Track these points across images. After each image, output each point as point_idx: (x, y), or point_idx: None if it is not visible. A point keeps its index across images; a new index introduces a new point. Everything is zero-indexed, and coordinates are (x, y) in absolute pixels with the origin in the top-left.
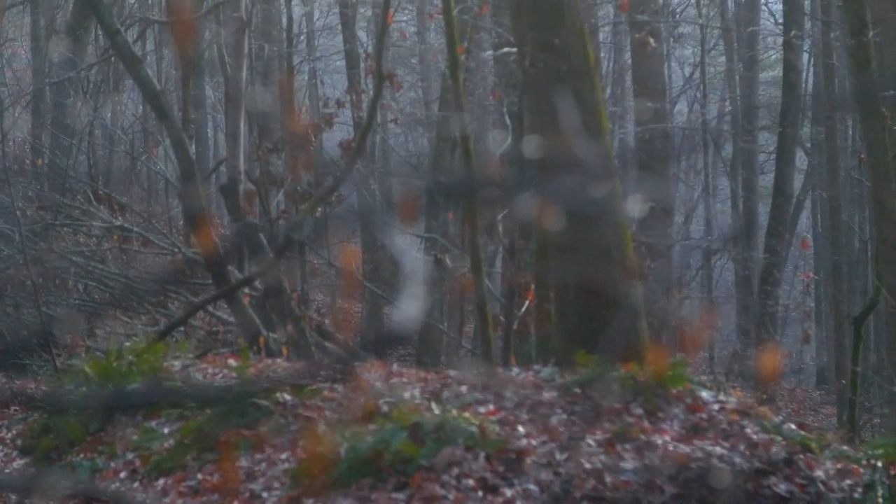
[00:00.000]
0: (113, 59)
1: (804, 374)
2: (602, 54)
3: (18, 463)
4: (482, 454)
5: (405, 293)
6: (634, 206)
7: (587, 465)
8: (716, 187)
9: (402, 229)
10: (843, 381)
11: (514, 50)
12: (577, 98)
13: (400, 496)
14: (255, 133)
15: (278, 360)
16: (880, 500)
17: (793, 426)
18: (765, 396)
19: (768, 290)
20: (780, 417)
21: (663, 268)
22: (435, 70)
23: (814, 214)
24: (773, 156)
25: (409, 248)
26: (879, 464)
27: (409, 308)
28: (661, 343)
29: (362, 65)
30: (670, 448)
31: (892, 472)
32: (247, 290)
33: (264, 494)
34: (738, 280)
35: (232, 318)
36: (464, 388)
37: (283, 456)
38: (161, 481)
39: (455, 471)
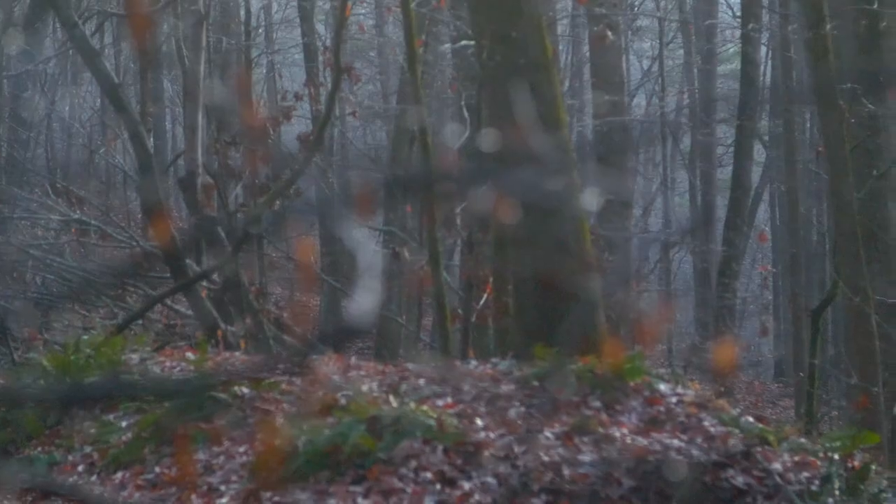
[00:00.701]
0: (71, 51)
1: (762, 366)
2: (560, 47)
3: None
4: (440, 447)
5: (362, 286)
6: (592, 199)
7: (545, 458)
8: (674, 180)
9: (360, 222)
10: (801, 374)
11: (472, 43)
12: (535, 91)
13: (358, 489)
14: (213, 126)
15: (236, 354)
16: (837, 492)
17: (751, 419)
18: (723, 389)
19: (726, 282)
20: (738, 410)
21: (621, 261)
22: (393, 63)
23: (772, 207)
24: (732, 148)
25: (366, 241)
26: (836, 456)
27: (365, 301)
28: (620, 336)
29: (321, 58)
30: (628, 441)
31: (850, 465)
32: (205, 284)
33: (222, 488)
34: (697, 273)
35: (190, 312)
36: (422, 382)
37: (241, 449)
38: (119, 475)
39: (413, 464)
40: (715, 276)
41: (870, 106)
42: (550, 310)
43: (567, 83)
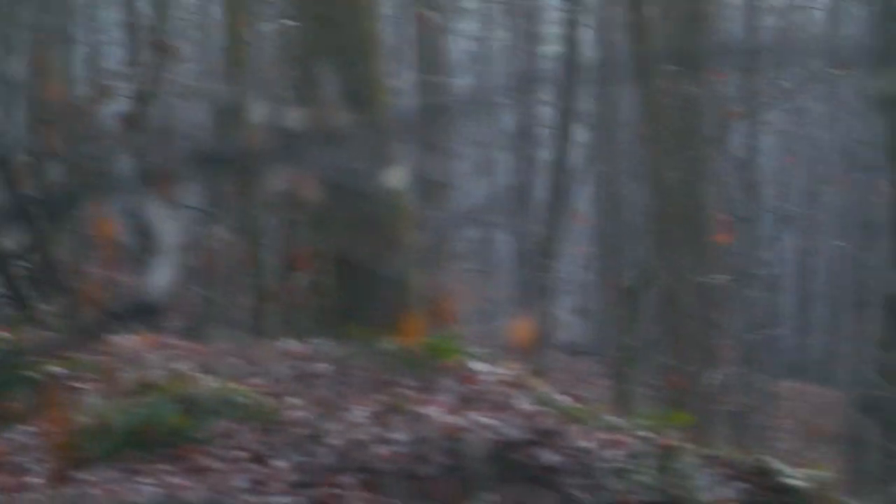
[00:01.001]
0: None
1: (578, 346)
2: (383, 27)
3: None
4: (253, 426)
5: (172, 264)
6: (402, 178)
7: (358, 437)
8: (494, 160)
9: (169, 199)
10: (617, 354)
11: (293, 22)
12: (355, 71)
13: (169, 468)
14: (30, 104)
15: (49, 332)
16: (648, 470)
17: (564, 397)
18: (538, 368)
19: (545, 262)
20: (553, 389)
21: (437, 240)
22: (215, 42)
23: (591, 188)
24: (552, 129)
25: (169, 216)
26: (648, 435)
27: (163, 277)
28: (435, 315)
29: (142, 36)
30: (441, 419)
31: (661, 443)
32: (18, 262)
33: (31, 467)
34: (515, 253)
35: (2, 290)
36: (235, 360)
37: (52, 428)
38: None
39: (225, 443)
40: (533, 257)
41: (688, 87)
42: (365, 289)
43: (389, 63)
